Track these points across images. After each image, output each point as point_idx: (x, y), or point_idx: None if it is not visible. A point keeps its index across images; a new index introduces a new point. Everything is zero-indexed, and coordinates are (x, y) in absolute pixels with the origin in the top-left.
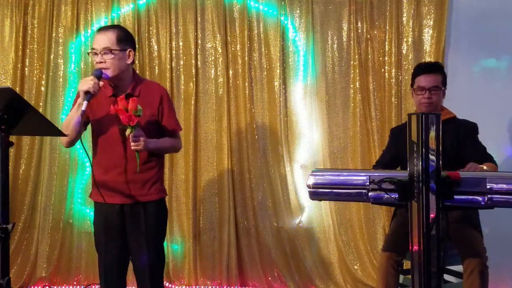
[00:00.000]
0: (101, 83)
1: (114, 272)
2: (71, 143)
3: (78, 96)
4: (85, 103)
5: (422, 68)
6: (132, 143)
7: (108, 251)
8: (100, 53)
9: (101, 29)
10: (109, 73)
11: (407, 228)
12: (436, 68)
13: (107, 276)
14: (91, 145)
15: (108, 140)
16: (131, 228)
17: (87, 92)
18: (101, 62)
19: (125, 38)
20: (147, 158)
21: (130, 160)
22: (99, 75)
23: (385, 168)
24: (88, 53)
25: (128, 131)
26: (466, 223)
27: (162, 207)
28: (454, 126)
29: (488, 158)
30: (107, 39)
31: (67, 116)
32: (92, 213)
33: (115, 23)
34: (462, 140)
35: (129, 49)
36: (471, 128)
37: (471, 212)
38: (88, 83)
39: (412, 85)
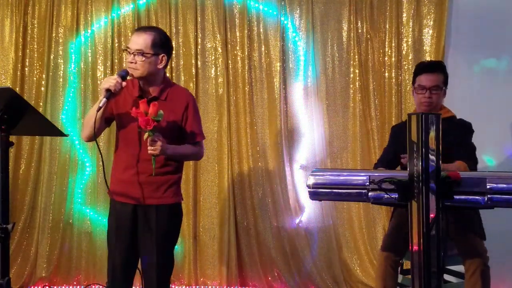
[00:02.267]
0: (124, 83)
1: (122, 271)
2: (91, 138)
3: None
4: (103, 100)
5: (423, 67)
6: (149, 147)
7: (118, 250)
8: (132, 53)
9: (139, 30)
10: (137, 74)
11: (406, 228)
12: (437, 67)
13: (115, 275)
14: (114, 141)
15: (128, 139)
16: (142, 230)
17: (108, 90)
18: (131, 63)
19: (160, 43)
20: (164, 162)
21: (146, 162)
22: (124, 75)
23: (387, 166)
24: (124, 51)
25: (146, 135)
26: (467, 222)
27: (176, 212)
28: (451, 125)
29: (469, 158)
30: (142, 41)
31: (89, 112)
32: (92, 213)
33: (115, 23)
34: (455, 140)
35: (162, 54)
36: (464, 128)
37: (472, 218)
38: (110, 81)
39: (413, 83)
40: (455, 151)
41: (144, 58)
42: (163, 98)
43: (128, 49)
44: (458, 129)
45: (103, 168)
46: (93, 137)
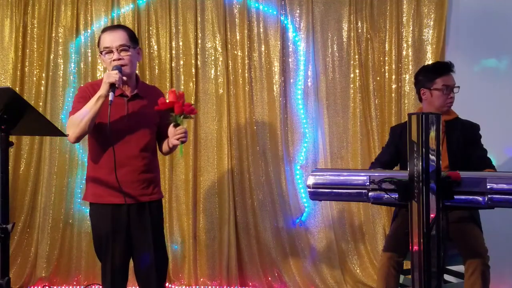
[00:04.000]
0: (124, 77)
1: (121, 274)
2: (79, 138)
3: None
4: (111, 94)
5: (443, 67)
6: (182, 135)
7: (116, 253)
8: (117, 50)
9: (110, 29)
10: (127, 69)
11: (408, 228)
12: (452, 68)
13: (115, 277)
14: (88, 144)
15: (112, 140)
16: (137, 228)
17: (112, 85)
18: (119, 59)
19: (134, 37)
20: (152, 159)
21: (137, 160)
22: (120, 70)
23: (383, 166)
24: (101, 52)
25: (184, 123)
26: (466, 222)
27: (162, 206)
28: (458, 126)
29: (488, 163)
30: (122, 37)
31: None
32: None
33: (115, 23)
34: (467, 140)
35: (138, 47)
36: (476, 129)
37: (473, 211)
38: (113, 76)
39: (429, 85)
40: (470, 151)
41: (130, 53)
42: (142, 95)
43: (109, 48)
44: (467, 129)
45: (115, 169)
46: (83, 136)
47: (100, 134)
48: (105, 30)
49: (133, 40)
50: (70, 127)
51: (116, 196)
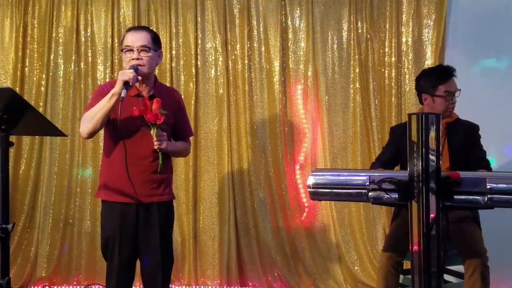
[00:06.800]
0: (139, 77)
1: (127, 274)
2: (92, 134)
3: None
4: (124, 91)
5: (447, 73)
6: (156, 142)
7: (122, 252)
8: (137, 50)
9: (135, 29)
10: (145, 69)
11: (407, 228)
12: (454, 72)
13: (119, 276)
14: (103, 143)
15: (128, 139)
16: (145, 228)
17: (126, 83)
18: (138, 59)
19: (157, 40)
20: (165, 159)
21: (148, 160)
22: (137, 70)
23: (384, 166)
24: (122, 50)
25: (153, 131)
26: (466, 222)
27: (173, 208)
28: (460, 126)
29: (485, 165)
30: (144, 38)
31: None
32: (92, 213)
33: (115, 23)
34: (468, 141)
35: (160, 50)
36: (476, 130)
37: (473, 211)
38: (128, 74)
39: (428, 92)
40: (470, 152)
41: (150, 54)
42: (158, 96)
43: (129, 47)
44: (468, 130)
45: (126, 166)
46: (95, 132)
47: (114, 131)
48: (130, 29)
49: (156, 42)
50: (83, 122)
51: (126, 195)
